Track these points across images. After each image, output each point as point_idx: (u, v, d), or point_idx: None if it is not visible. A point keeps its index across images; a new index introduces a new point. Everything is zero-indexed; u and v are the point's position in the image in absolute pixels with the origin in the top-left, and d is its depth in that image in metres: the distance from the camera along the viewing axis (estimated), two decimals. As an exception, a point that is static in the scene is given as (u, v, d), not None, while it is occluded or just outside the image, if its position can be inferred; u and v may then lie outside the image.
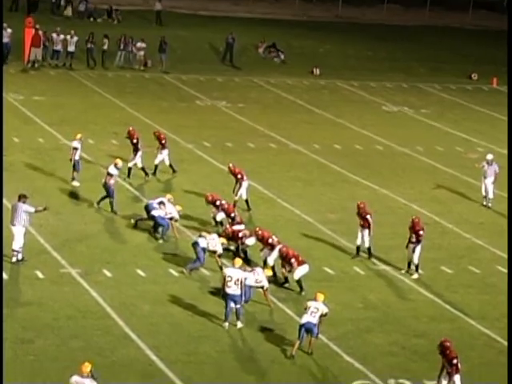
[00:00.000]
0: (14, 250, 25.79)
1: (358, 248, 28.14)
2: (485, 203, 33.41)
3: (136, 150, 33.10)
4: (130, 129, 34.13)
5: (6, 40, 48.16)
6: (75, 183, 32.12)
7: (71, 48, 48.91)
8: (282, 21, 67.40)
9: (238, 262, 23.73)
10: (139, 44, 50.53)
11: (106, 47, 49.81)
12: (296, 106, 46.00)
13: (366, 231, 28.03)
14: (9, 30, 48.22)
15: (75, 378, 18.31)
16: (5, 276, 24.94)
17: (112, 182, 29.93)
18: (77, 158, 32.25)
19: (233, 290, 22.98)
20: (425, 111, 46.73)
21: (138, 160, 33.05)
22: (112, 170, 30.09)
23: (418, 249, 27.09)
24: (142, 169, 33.19)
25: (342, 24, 68.57)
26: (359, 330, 23.83)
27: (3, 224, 25.97)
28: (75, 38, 48.99)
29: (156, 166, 33.52)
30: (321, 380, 21.32)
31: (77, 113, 41.24)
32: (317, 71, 53.17)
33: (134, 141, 33.23)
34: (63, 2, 62.08)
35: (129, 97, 44.47)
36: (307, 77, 52.23)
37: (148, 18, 62.19)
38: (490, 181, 33.24)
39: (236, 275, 23.12)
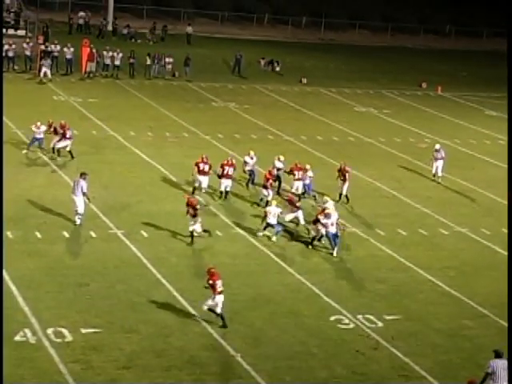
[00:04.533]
0: (78, 213, 25.66)
1: (341, 195, 29.65)
2: (434, 179, 33.38)
3: None
4: None
5: (69, 56, 47.85)
6: None
7: (117, 62, 48.64)
8: (278, 42, 67.08)
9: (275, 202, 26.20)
10: (168, 59, 50.35)
11: (146, 61, 49.60)
12: (288, 107, 45.83)
13: (346, 184, 29.42)
14: (71, 49, 47.98)
15: None
16: (66, 235, 24.92)
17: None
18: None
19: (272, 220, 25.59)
20: (386, 111, 46.54)
21: None
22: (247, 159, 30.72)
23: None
24: None
25: (324, 45, 68.24)
26: (335, 277, 23.82)
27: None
28: (120, 55, 48.75)
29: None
30: (306, 315, 21.30)
31: (121, 111, 41.08)
32: (304, 80, 52.96)
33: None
34: (111, 27, 61.74)
35: (160, 99, 44.29)
36: (297, 85, 52.02)
37: (178, 38, 61.83)
38: (439, 163, 33.26)
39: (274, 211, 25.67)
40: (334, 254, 25.02)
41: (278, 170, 30.03)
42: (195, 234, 25.06)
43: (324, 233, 25.32)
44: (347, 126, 41.90)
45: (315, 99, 48.44)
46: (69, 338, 18.89)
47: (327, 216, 25.26)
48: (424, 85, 54.40)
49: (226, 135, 38.11)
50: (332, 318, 21.10)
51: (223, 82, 50.57)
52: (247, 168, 30.83)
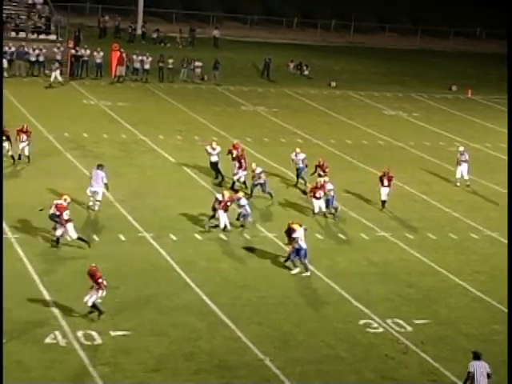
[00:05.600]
0: (97, 200, 26.67)
1: (383, 202, 29.40)
2: (458, 184, 33.08)
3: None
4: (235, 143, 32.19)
5: (98, 60, 48.22)
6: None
7: (146, 66, 48.91)
8: (307, 45, 67.01)
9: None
10: (197, 63, 50.54)
11: (172, 65, 49.80)
12: (317, 111, 45.77)
13: (388, 190, 29.15)
14: (101, 53, 48.29)
15: None
16: (96, 238, 25.06)
17: None
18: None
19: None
20: (415, 114, 46.35)
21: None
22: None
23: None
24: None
25: (353, 48, 68.07)
26: (364, 281, 23.75)
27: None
28: (149, 59, 49.01)
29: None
30: (335, 319, 21.26)
31: (150, 115, 41.27)
32: (333, 84, 52.89)
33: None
34: (140, 32, 62.04)
35: (189, 103, 44.43)
36: (326, 88, 51.96)
37: (207, 42, 62.01)
38: (464, 167, 32.98)
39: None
40: (308, 274, 23.62)
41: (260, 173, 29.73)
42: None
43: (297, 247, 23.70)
44: (376, 130, 41.78)
45: (344, 102, 48.35)
46: (98, 340, 19.01)
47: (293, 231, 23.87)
48: (454, 88, 54.13)
49: (254, 139, 38.15)
50: (361, 322, 21.04)
51: (252, 85, 50.62)
52: (212, 159, 31.02)
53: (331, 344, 19.85)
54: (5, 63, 46.12)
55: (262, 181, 29.55)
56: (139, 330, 19.65)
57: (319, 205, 28.33)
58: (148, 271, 23.09)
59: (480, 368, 16.68)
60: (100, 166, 27.31)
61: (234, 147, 31.52)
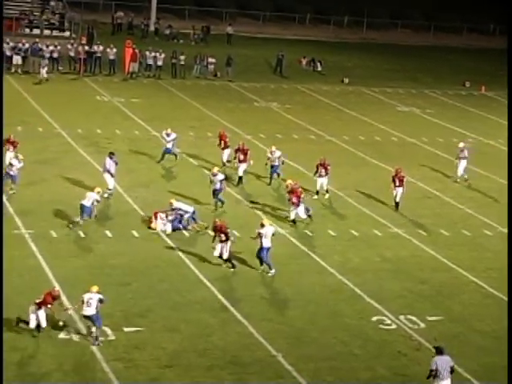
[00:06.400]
0: (108, 189, 27.15)
1: (397, 204, 28.88)
2: (458, 180, 32.81)
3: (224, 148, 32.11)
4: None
5: (112, 57, 48.26)
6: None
7: (159, 63, 48.94)
8: (319, 41, 66.88)
9: None
10: (210, 59, 50.55)
11: (184, 62, 49.80)
12: (330, 107, 45.70)
13: (402, 189, 28.66)
14: (114, 50, 48.34)
15: (87, 295, 18.69)
16: (109, 234, 25.10)
17: None
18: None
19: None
20: (429, 111, 46.21)
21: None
22: None
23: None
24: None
25: (366, 44, 67.91)
26: (377, 278, 23.71)
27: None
28: (162, 55, 49.04)
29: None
30: (348, 316, 21.24)
31: (163, 111, 41.30)
32: (346, 80, 52.77)
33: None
34: (153, 28, 62.07)
35: (202, 99, 44.44)
36: (339, 84, 51.87)
37: (220, 39, 61.99)
38: (463, 163, 32.61)
39: None
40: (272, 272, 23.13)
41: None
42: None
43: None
44: (390, 126, 41.67)
45: (357, 99, 48.24)
46: (111, 336, 19.05)
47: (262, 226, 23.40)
48: (467, 84, 53.92)
49: (267, 135, 38.11)
50: (374, 319, 21.01)
51: (265, 82, 50.57)
52: (168, 146, 31.70)
53: (344, 341, 19.83)
54: (19, 60, 46.18)
55: (276, 163, 30.30)
56: (152, 326, 19.68)
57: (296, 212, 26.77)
58: (161, 267, 23.11)
59: (443, 363, 16.73)
60: (110, 154, 28.18)
61: (222, 136, 32.17)
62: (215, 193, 27.57)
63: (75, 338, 18.85)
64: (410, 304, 22.01)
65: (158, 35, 60.96)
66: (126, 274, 22.47)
